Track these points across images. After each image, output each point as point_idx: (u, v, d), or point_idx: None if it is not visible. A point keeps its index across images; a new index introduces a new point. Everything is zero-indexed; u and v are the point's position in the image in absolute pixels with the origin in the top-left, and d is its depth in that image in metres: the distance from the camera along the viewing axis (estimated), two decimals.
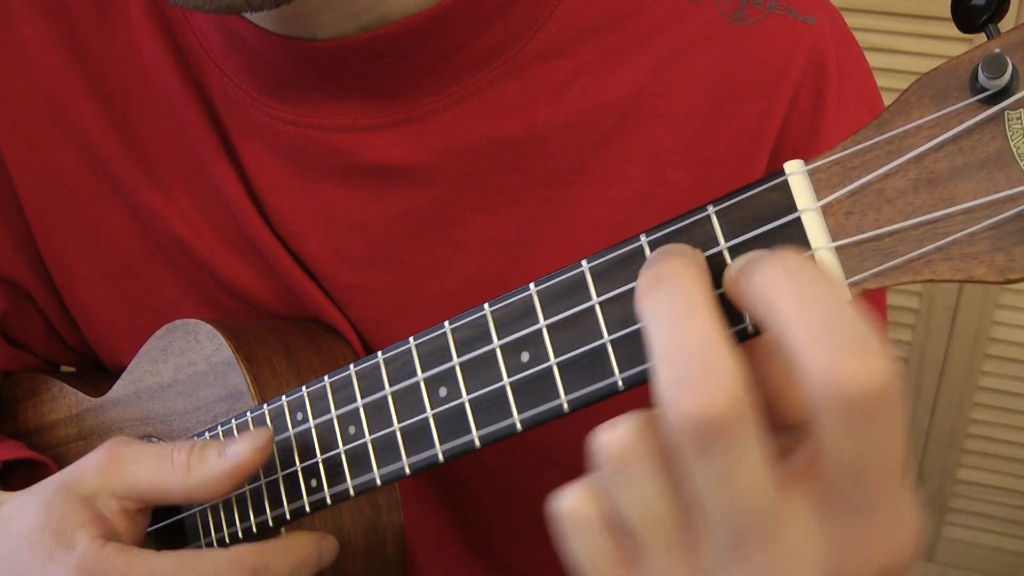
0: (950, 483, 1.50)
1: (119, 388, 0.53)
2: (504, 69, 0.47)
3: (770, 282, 0.26)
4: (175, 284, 0.55)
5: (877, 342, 0.24)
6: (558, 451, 0.48)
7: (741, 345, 0.29)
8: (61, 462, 0.56)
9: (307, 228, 0.51)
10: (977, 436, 1.46)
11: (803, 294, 0.25)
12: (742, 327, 0.30)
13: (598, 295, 0.32)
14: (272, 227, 0.52)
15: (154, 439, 0.51)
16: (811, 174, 0.29)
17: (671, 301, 0.27)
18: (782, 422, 0.30)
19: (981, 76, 0.27)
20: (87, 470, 0.42)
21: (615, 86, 0.48)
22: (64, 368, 0.64)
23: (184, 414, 0.49)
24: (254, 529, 0.43)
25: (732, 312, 0.30)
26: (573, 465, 0.33)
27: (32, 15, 0.52)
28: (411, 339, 0.37)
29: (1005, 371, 1.39)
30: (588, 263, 0.32)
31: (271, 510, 0.42)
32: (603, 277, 0.32)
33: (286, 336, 0.50)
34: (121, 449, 0.42)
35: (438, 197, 0.49)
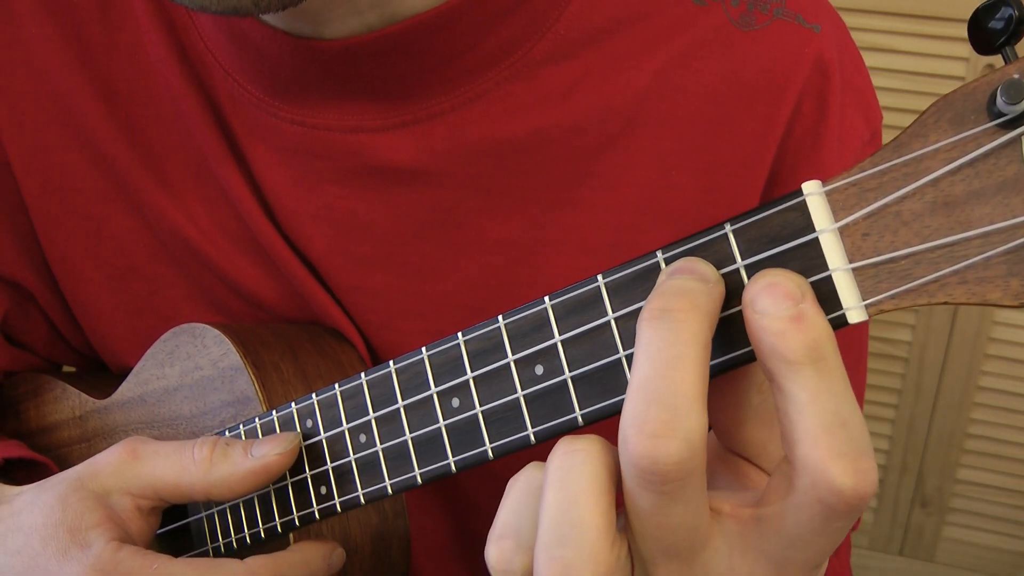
0: (950, 483, 1.51)
1: (124, 391, 0.53)
2: (512, 71, 0.47)
3: (791, 351, 0.27)
4: (179, 285, 0.55)
5: (871, 458, 0.27)
6: None
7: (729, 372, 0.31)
8: (63, 463, 0.56)
9: (313, 229, 0.51)
10: (977, 436, 1.46)
11: (821, 387, 0.27)
12: (744, 352, 0.30)
13: (614, 310, 0.32)
14: (278, 228, 0.52)
15: None
16: (828, 195, 0.29)
17: (666, 342, 0.28)
18: (732, 447, 0.33)
19: (999, 101, 0.27)
20: (102, 467, 0.42)
21: (622, 89, 0.48)
22: (65, 368, 0.64)
23: (190, 418, 0.49)
24: (262, 535, 0.43)
25: (741, 332, 0.30)
26: None
27: (37, 15, 0.52)
28: (423, 349, 0.37)
29: (1005, 371, 1.40)
30: (604, 278, 0.32)
31: (280, 516, 0.43)
32: (619, 292, 0.32)
33: (292, 341, 0.50)
34: (138, 446, 0.42)
35: (444, 199, 0.49)
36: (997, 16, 0.29)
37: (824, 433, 0.26)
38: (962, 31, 1.19)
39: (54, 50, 0.52)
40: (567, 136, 0.48)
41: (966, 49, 1.21)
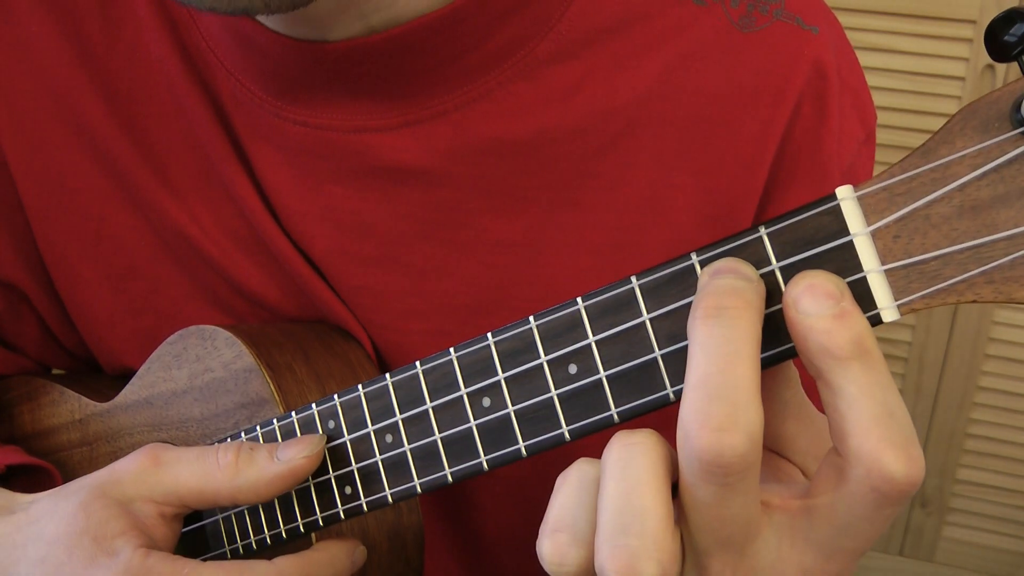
0: (950, 483, 1.52)
1: (128, 394, 0.52)
2: (515, 71, 0.48)
3: (839, 347, 0.28)
4: (181, 284, 0.54)
5: (918, 445, 0.28)
6: (566, 460, 0.49)
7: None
8: (62, 468, 0.55)
9: (316, 229, 0.51)
10: (977, 436, 1.48)
11: (869, 380, 0.28)
12: (782, 350, 0.31)
13: (648, 312, 0.33)
14: (282, 227, 0.52)
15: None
16: (860, 199, 0.30)
17: (724, 339, 0.29)
18: (764, 442, 0.33)
19: (1023, 109, 0.29)
20: (123, 474, 0.42)
21: (624, 90, 0.49)
22: (54, 371, 0.63)
23: (201, 420, 0.49)
24: (284, 535, 0.44)
25: (779, 331, 0.31)
26: None
27: (36, 12, 0.51)
28: (451, 350, 0.38)
29: (1005, 371, 1.42)
30: (638, 279, 0.33)
31: (302, 517, 0.43)
32: (653, 293, 0.33)
33: (302, 341, 0.50)
34: (160, 452, 0.42)
35: (446, 198, 0.50)
36: (1011, 31, 0.31)
37: (875, 424, 0.28)
38: (962, 31, 1.20)
39: (54, 48, 0.51)
40: (570, 136, 0.49)
41: (966, 49, 1.22)
